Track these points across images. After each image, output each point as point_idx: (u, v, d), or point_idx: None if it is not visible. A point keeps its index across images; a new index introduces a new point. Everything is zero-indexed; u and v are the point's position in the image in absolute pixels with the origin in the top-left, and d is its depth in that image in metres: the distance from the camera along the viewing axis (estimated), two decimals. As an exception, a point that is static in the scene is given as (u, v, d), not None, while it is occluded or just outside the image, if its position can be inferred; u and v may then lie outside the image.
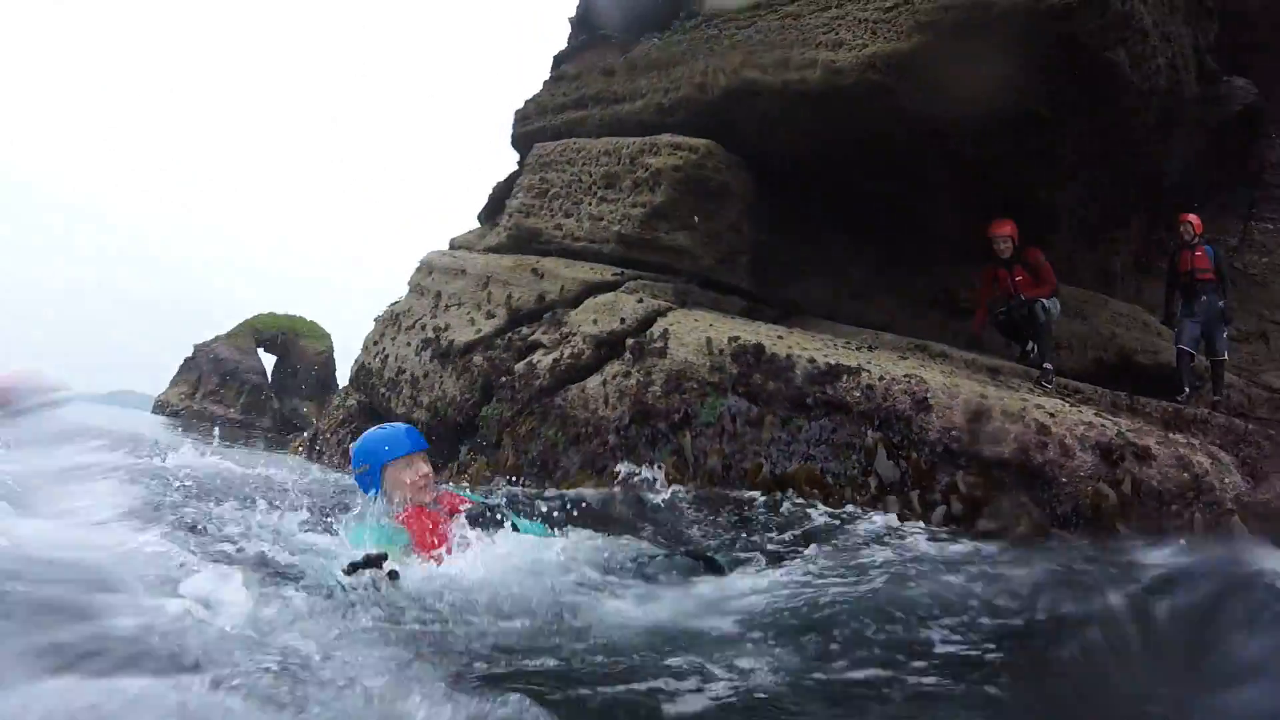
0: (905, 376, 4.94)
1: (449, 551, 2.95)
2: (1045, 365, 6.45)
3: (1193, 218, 7.59)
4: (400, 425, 3.46)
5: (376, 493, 3.18)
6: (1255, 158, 11.35)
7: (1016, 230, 6.91)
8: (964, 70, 6.19)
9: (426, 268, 8.87)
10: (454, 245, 9.05)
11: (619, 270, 6.85)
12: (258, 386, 33.04)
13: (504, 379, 6.75)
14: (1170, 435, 4.86)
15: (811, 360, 5.18)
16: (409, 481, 3.12)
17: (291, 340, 35.97)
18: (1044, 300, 6.73)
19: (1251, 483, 4.58)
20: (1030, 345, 6.88)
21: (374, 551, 2.56)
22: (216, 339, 35.04)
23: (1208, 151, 9.80)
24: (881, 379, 4.94)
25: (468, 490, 3.80)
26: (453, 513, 3.16)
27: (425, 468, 3.20)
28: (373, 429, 3.38)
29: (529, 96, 9.83)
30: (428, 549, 2.92)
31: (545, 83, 9.76)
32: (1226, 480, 4.46)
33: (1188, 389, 7.04)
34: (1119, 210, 8.49)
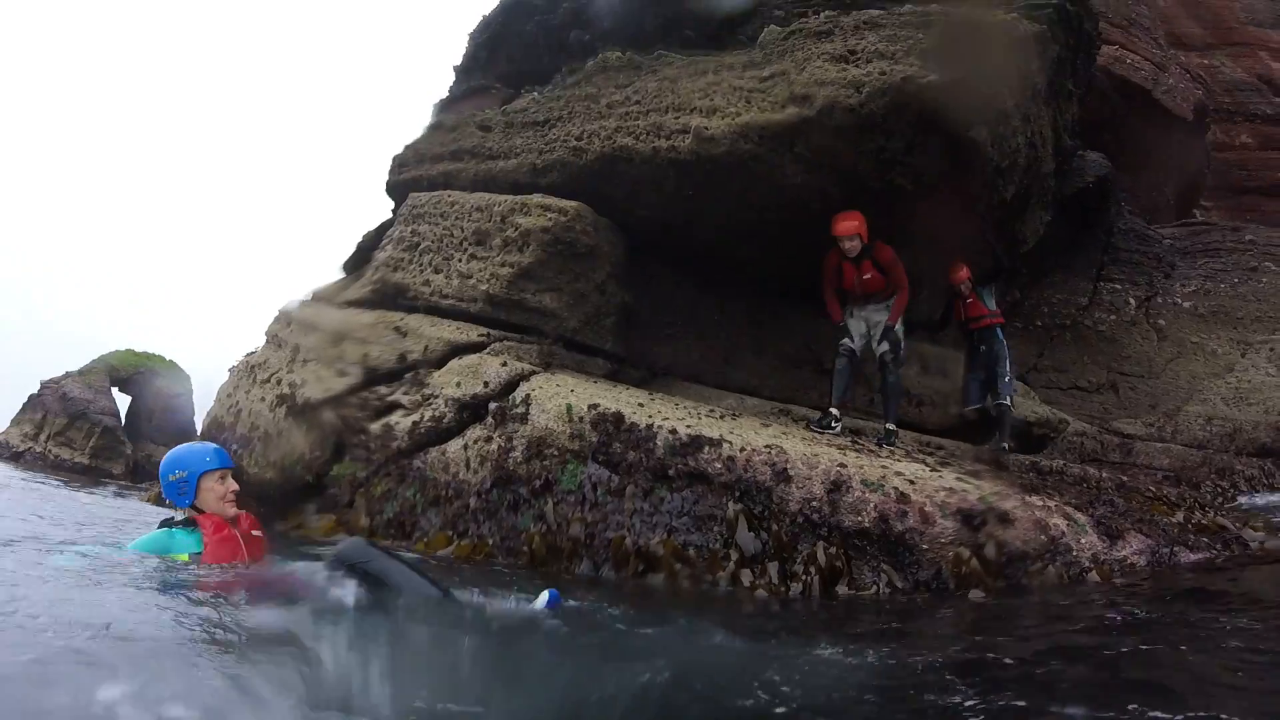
0: (766, 447, 4.90)
1: (245, 560, 3.35)
2: (889, 426, 6.30)
3: (964, 272, 7.66)
4: (211, 444, 3.74)
5: (190, 502, 3.43)
6: (1105, 224, 12.28)
7: (865, 225, 6.32)
8: (833, 142, 6.35)
9: (285, 318, 8.41)
10: (315, 296, 8.62)
11: (485, 331, 6.63)
12: (110, 429, 30.33)
13: (358, 438, 6.42)
14: (1029, 498, 4.96)
15: (673, 431, 5.09)
16: (220, 493, 3.42)
17: (148, 380, 33.54)
18: (896, 332, 6.39)
19: (1108, 541, 4.69)
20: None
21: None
22: (67, 375, 32.14)
23: (1061, 218, 10.47)
24: (743, 450, 4.89)
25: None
26: (251, 529, 3.52)
27: (234, 484, 3.50)
28: (183, 445, 3.64)
29: (409, 142, 9.56)
30: (218, 560, 3.27)
31: (426, 129, 9.51)
32: (1083, 540, 4.55)
33: (998, 438, 7.26)
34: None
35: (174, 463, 3.47)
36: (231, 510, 3.46)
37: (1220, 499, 8.10)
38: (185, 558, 3.25)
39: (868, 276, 6.42)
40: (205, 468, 3.42)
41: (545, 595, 3.24)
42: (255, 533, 3.57)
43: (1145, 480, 7.53)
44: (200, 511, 3.44)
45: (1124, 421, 10.39)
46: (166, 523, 3.42)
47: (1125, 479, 7.05)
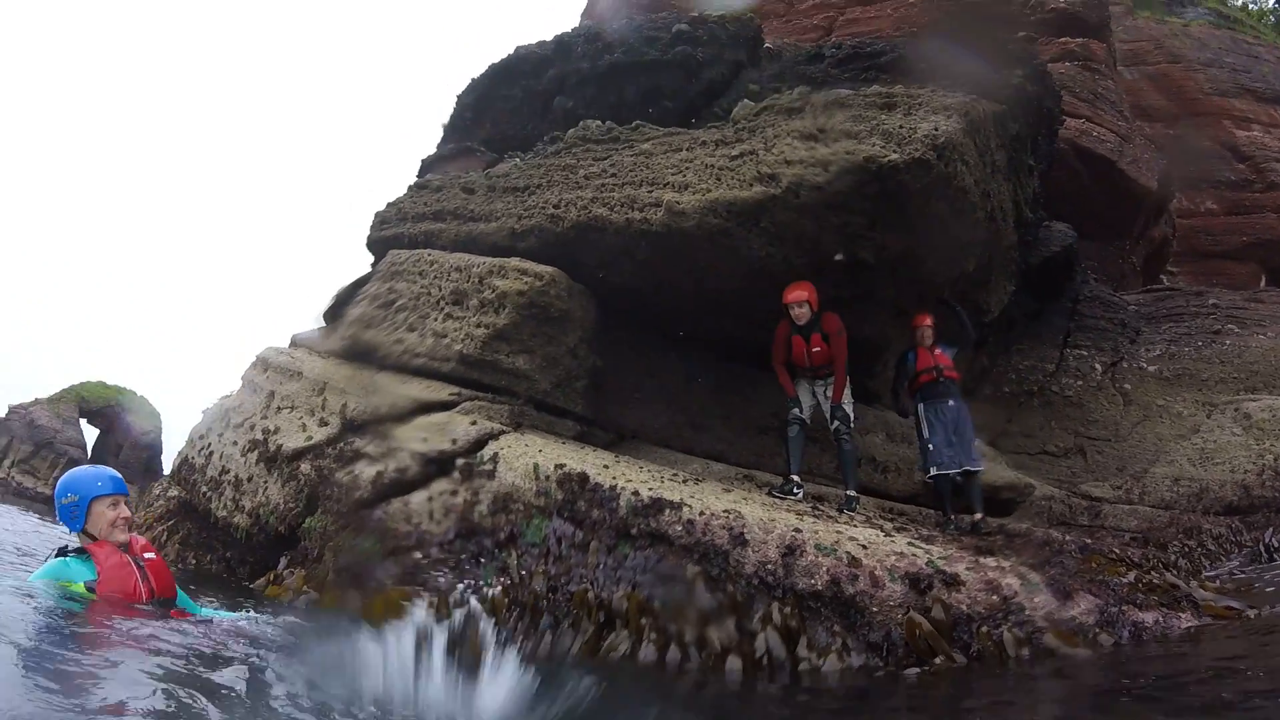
0: (725, 511, 5.06)
1: (144, 591, 3.41)
2: (850, 492, 6.40)
3: (929, 319, 7.33)
4: (107, 468, 3.71)
5: (80, 527, 3.47)
6: (1071, 292, 12.62)
7: (815, 294, 6.50)
8: (798, 218, 6.63)
9: (262, 364, 8.57)
10: (295, 343, 8.78)
11: (456, 390, 6.81)
12: (75, 461, 29.90)
13: (331, 490, 6.54)
14: (981, 560, 5.10)
15: (635, 493, 5.25)
16: (111, 519, 3.45)
17: (118, 415, 33.23)
18: (844, 408, 6.46)
19: (1060, 600, 4.82)
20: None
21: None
22: (36, 402, 31.81)
23: (1028, 287, 10.79)
24: (702, 514, 5.05)
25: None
26: (144, 552, 3.56)
27: (127, 511, 3.53)
28: (78, 468, 3.70)
29: (392, 200, 9.83)
30: (114, 586, 3.32)
31: (410, 187, 9.78)
32: (1036, 599, 4.66)
33: (950, 518, 6.66)
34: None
35: (67, 486, 3.53)
36: (122, 536, 3.49)
37: (1185, 560, 8.18)
38: (82, 587, 3.29)
39: (816, 350, 6.56)
40: (96, 492, 3.47)
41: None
42: (149, 555, 3.60)
43: (1111, 542, 7.61)
44: (93, 538, 3.49)
45: (1092, 485, 10.51)
46: (62, 551, 3.45)
47: (1090, 541, 7.14)
